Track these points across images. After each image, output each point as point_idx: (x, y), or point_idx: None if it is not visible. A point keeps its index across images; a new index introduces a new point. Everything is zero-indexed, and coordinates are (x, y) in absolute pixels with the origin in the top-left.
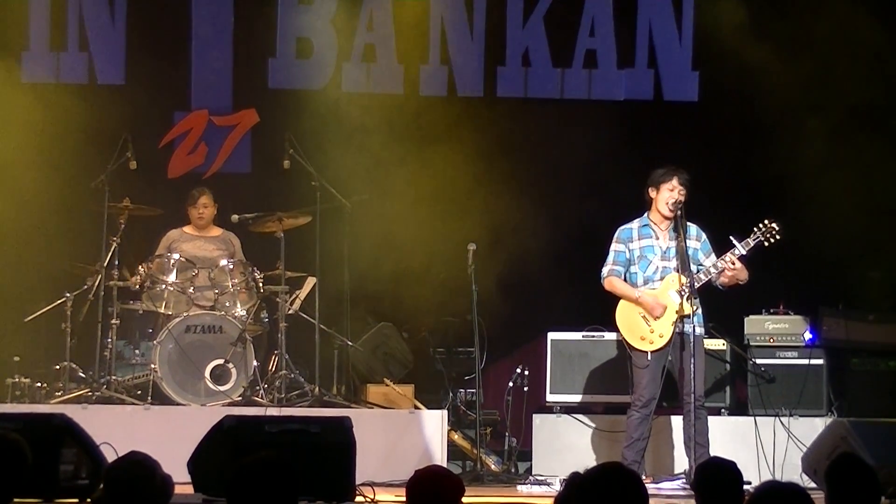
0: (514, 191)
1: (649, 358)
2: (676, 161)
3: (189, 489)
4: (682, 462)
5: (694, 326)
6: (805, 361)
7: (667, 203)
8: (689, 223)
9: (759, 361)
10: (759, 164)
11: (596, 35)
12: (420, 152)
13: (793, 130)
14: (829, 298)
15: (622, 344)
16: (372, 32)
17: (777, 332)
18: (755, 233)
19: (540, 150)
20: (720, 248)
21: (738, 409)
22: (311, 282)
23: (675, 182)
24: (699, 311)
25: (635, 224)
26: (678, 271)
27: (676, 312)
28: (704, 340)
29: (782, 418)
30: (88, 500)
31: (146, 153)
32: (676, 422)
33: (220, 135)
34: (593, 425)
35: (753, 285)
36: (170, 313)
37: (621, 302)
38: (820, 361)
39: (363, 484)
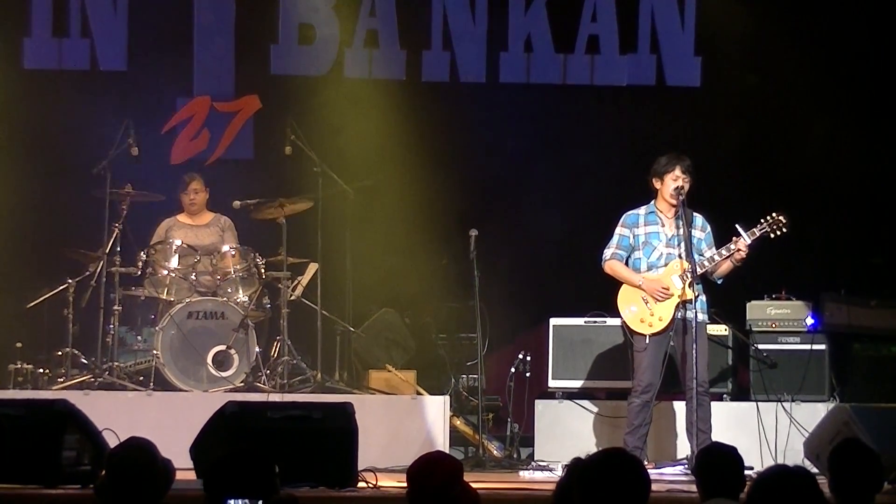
0: (517, 176)
1: (647, 341)
2: (678, 147)
3: (191, 475)
4: (684, 448)
5: (696, 312)
6: (807, 347)
7: (672, 194)
8: (695, 213)
9: (761, 347)
10: (761, 150)
11: (598, 20)
12: (422, 138)
13: (795, 116)
14: (831, 284)
15: (624, 329)
16: (374, 18)
17: (779, 317)
18: (762, 224)
19: (542, 136)
20: (724, 234)
21: (740, 394)
22: (313, 268)
23: (678, 171)
24: (702, 297)
25: (642, 210)
26: (681, 258)
27: (679, 297)
28: (707, 326)
29: (784, 404)
30: (91, 486)
31: (148, 139)
32: (679, 407)
33: (223, 121)
34: (595, 411)
35: (755, 271)
36: (172, 299)
37: (624, 284)
38: (822, 347)
39: (365, 470)
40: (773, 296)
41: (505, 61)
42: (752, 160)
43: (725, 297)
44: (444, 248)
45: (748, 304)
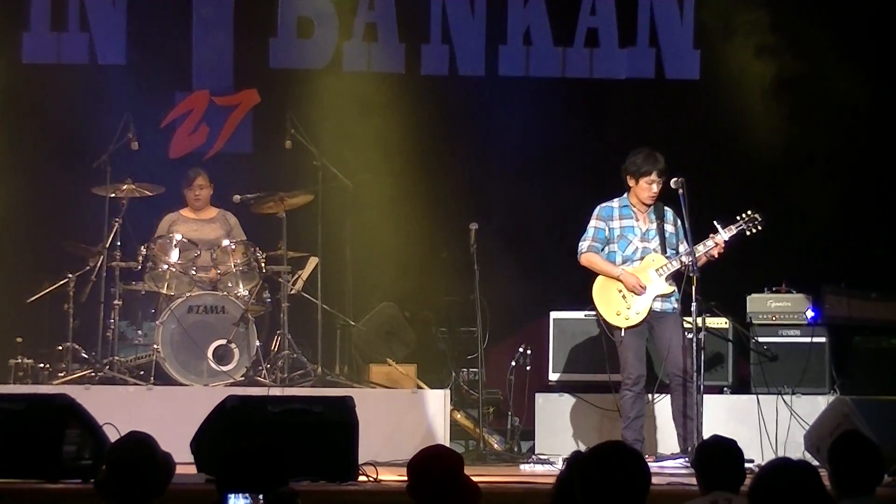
0: (517, 169)
1: (623, 334)
2: (677, 140)
3: (192, 469)
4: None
5: (673, 304)
6: (808, 339)
7: (648, 196)
8: (665, 207)
9: (761, 339)
10: (760, 142)
11: (597, 13)
12: (421, 132)
13: (795, 107)
14: (832, 276)
15: (599, 322)
16: (373, 11)
17: (779, 310)
18: (738, 221)
19: (541, 130)
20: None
21: (741, 387)
22: (313, 262)
23: (654, 176)
24: (674, 288)
25: (616, 203)
26: (656, 252)
27: (658, 293)
28: (707, 319)
29: (785, 396)
30: (92, 480)
31: (148, 133)
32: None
33: (222, 115)
34: (595, 404)
35: (756, 263)
36: (172, 294)
37: (599, 277)
38: (822, 339)
39: (366, 463)
40: (774, 288)
41: (504, 54)
42: (751, 152)
43: (726, 289)
44: (444, 242)
45: (748, 297)
